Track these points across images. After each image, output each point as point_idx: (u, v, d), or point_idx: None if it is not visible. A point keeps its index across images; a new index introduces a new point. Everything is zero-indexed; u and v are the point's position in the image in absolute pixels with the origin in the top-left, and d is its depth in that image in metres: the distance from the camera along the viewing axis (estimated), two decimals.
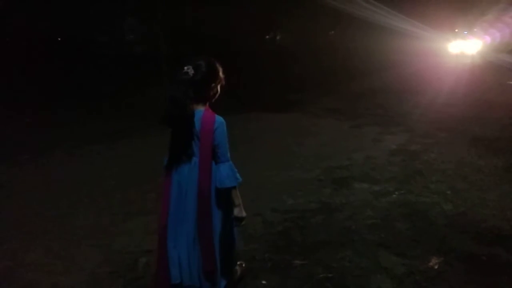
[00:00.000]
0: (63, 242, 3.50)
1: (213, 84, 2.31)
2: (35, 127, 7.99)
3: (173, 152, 2.33)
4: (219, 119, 2.27)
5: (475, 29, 22.94)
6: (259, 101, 9.94)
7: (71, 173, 5.36)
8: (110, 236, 3.59)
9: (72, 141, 6.87)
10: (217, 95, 2.39)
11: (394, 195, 4.26)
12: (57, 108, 9.73)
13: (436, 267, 2.97)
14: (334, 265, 3.03)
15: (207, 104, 2.35)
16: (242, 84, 10.33)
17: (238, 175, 2.34)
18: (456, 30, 23.94)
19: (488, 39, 21.01)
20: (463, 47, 20.73)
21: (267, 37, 27.46)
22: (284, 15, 21.06)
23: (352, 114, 8.57)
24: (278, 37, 29.27)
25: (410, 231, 3.51)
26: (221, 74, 2.34)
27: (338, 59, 18.55)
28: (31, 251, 3.36)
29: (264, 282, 2.85)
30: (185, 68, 2.23)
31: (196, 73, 2.23)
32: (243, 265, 2.91)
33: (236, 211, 2.35)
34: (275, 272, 2.97)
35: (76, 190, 4.67)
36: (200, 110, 2.28)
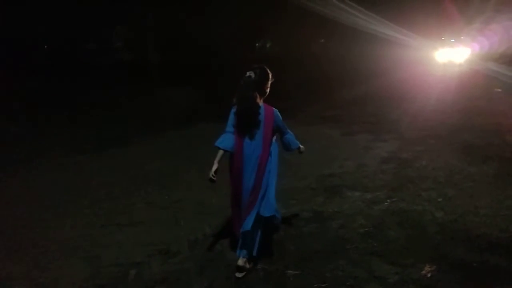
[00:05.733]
0: (51, 254, 3.43)
1: (267, 84, 3.18)
2: (22, 137, 7.86)
3: (241, 129, 3.10)
4: (275, 109, 3.18)
5: (462, 37, 23.06)
6: None
7: (59, 183, 5.27)
8: (99, 248, 3.53)
9: (60, 150, 6.79)
10: (267, 93, 3.21)
11: (386, 203, 4.26)
12: (44, 117, 9.61)
13: (429, 275, 2.96)
14: (328, 274, 3.01)
15: (262, 99, 3.16)
16: (230, 92, 10.32)
17: (296, 140, 3.40)
18: (443, 38, 24.09)
19: (476, 47, 20.98)
20: (450, 56, 20.65)
21: (257, 44, 27.66)
22: (274, 23, 21.23)
23: (343, 121, 8.59)
24: (268, 45, 29.51)
25: (403, 239, 3.50)
26: (270, 77, 3.19)
27: (328, 66, 18.68)
28: (19, 264, 3.28)
29: None
30: (248, 73, 3.11)
31: (255, 76, 3.10)
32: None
33: (302, 149, 3.47)
34: (269, 282, 2.94)
35: (64, 201, 4.60)
36: (261, 104, 3.13)
